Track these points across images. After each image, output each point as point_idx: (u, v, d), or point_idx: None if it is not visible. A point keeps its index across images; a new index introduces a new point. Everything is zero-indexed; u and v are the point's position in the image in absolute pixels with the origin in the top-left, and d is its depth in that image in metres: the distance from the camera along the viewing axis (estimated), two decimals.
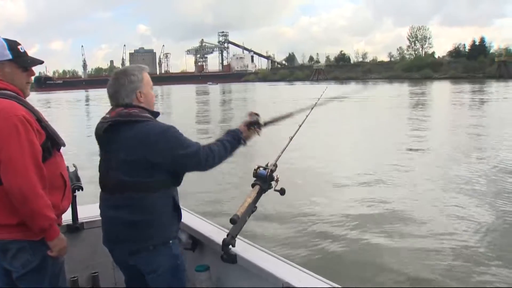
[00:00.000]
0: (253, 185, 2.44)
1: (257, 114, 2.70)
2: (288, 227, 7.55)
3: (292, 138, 2.78)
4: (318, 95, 3.31)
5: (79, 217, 3.00)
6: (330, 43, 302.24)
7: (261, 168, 2.46)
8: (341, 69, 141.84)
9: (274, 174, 2.46)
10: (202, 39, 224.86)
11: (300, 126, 2.86)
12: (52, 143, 2.41)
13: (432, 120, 24.83)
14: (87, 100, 67.68)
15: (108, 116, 2.37)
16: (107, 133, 2.34)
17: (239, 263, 2.42)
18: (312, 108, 3.04)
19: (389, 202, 8.89)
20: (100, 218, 2.55)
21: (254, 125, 2.65)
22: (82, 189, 2.81)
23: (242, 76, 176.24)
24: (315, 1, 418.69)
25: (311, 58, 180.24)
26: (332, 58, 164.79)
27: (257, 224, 6.89)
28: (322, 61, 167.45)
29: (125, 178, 2.30)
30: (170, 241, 2.42)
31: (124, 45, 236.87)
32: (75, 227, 3.01)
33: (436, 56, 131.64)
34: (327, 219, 7.91)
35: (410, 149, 14.85)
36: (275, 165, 2.51)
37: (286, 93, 58.69)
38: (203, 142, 2.46)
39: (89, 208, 3.00)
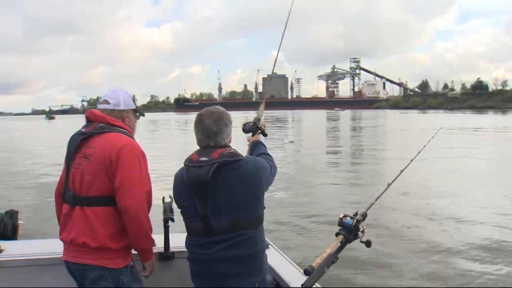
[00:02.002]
0: (337, 234, 2.25)
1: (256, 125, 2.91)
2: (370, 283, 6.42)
3: (390, 184, 2.53)
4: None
5: (170, 246, 3.08)
6: (466, 70, 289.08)
7: (347, 218, 2.25)
8: (478, 98, 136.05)
9: (361, 225, 2.25)
10: (334, 65, 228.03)
11: (401, 171, 2.65)
12: None
13: None
14: None
15: (206, 158, 2.27)
16: (214, 176, 2.22)
17: None
18: (419, 152, 2.92)
19: None
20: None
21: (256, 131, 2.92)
22: (173, 221, 2.87)
23: (373, 103, 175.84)
24: (452, 26, 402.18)
25: (445, 86, 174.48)
26: (468, 85, 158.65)
27: (341, 275, 6.08)
28: (457, 88, 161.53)
29: (240, 216, 2.29)
30: (266, 276, 2.47)
31: (258, 70, 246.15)
32: (166, 256, 3.08)
33: None
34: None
35: None
36: (365, 214, 2.31)
37: (418, 122, 55.54)
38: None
39: (180, 237, 2.78)
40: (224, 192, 2.26)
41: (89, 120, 2.63)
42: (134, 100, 2.79)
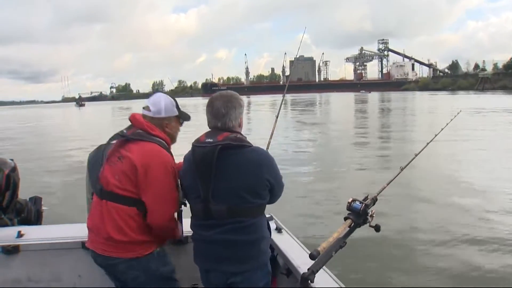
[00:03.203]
0: (345, 218, 2.24)
1: None
2: (381, 268, 6.10)
3: (403, 169, 2.55)
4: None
5: (183, 230, 3.05)
6: (498, 49, 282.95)
7: (356, 202, 2.26)
8: (511, 78, 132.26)
9: (370, 209, 2.26)
10: (362, 47, 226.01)
11: (416, 155, 2.66)
12: None
13: None
14: (248, 105, 69.29)
15: (211, 140, 2.33)
16: (218, 158, 2.28)
17: None
18: (435, 135, 2.90)
19: None
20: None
21: None
22: (186, 205, 2.78)
23: (401, 85, 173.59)
24: (483, 4, 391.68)
25: (476, 66, 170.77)
26: (500, 65, 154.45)
27: (350, 260, 5.55)
28: (489, 69, 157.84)
29: (237, 204, 2.31)
30: (268, 262, 2.50)
31: (285, 53, 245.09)
32: (179, 240, 3.10)
33: None
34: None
35: None
36: (375, 199, 2.32)
37: (446, 104, 51.96)
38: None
39: None
40: (224, 176, 2.30)
41: (131, 123, 2.67)
42: (178, 106, 2.77)
